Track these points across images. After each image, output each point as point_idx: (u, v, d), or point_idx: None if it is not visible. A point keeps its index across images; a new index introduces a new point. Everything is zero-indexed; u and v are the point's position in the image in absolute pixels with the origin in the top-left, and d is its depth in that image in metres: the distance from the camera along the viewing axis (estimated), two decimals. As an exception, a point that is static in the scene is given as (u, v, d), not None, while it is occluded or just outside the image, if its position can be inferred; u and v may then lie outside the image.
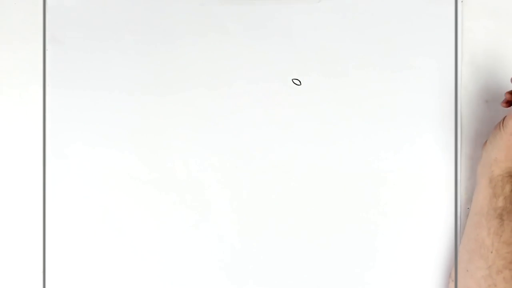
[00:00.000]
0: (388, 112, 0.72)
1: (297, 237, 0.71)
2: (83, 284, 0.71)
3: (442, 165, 0.72)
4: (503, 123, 0.64)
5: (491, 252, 0.61)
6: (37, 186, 0.71)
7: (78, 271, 0.71)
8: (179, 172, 0.71)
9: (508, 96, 0.66)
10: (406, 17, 0.72)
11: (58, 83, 0.72)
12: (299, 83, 0.70)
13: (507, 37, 0.73)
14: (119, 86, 0.72)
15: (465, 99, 0.72)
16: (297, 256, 0.71)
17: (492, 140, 0.65)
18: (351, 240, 0.71)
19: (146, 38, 0.72)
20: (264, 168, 0.71)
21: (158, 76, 0.72)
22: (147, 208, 0.71)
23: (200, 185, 0.71)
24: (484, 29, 0.73)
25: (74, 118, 0.71)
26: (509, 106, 0.67)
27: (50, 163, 0.71)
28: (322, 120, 0.71)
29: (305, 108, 0.71)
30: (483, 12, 0.73)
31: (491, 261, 0.61)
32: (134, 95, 0.72)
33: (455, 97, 0.72)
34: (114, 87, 0.72)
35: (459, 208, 0.72)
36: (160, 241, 0.71)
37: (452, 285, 0.65)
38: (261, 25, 0.72)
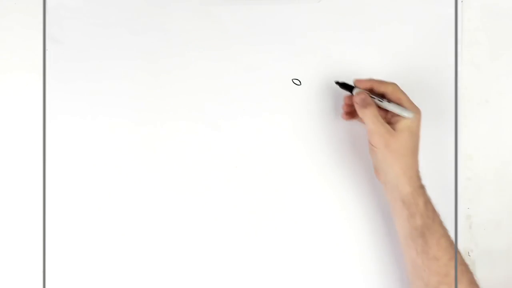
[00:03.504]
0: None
1: (298, 235, 0.71)
2: (83, 284, 0.71)
3: (442, 165, 0.72)
4: (371, 145, 0.62)
5: (424, 271, 0.59)
6: (37, 187, 0.71)
7: (78, 270, 0.71)
8: (179, 172, 0.71)
9: (347, 101, 0.66)
10: (406, 17, 0.72)
11: (58, 83, 0.72)
12: (299, 83, 0.70)
13: (507, 37, 0.73)
14: (119, 86, 0.72)
15: (465, 99, 0.72)
16: (297, 254, 0.71)
17: (379, 165, 0.63)
18: (351, 240, 0.71)
19: (145, 38, 0.72)
20: (264, 168, 0.71)
21: (157, 76, 0.72)
22: (146, 208, 0.71)
23: (200, 184, 0.71)
24: (484, 29, 0.73)
25: (73, 118, 0.71)
26: (350, 117, 0.67)
27: (50, 163, 0.71)
28: (323, 120, 0.71)
29: (305, 108, 0.71)
30: (483, 12, 0.73)
31: (426, 279, 0.59)
32: (134, 96, 0.72)
33: (455, 97, 0.72)
34: (114, 87, 0.72)
35: (459, 209, 0.72)
36: (159, 240, 0.71)
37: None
38: (261, 25, 0.72)
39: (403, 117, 0.61)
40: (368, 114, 0.61)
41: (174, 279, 0.71)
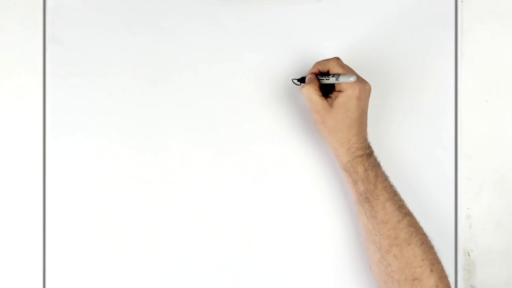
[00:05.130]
0: (388, 112, 0.72)
1: (298, 234, 0.71)
2: (83, 284, 0.71)
3: (442, 165, 0.72)
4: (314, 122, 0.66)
5: (376, 235, 0.62)
6: (37, 187, 0.71)
7: (78, 271, 0.71)
8: (179, 174, 0.71)
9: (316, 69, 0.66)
10: (406, 17, 0.72)
11: (58, 83, 0.72)
12: (299, 83, 0.70)
13: (507, 37, 0.73)
14: (119, 86, 0.72)
15: (465, 99, 0.72)
16: (296, 254, 0.71)
17: (322, 138, 0.67)
18: (350, 241, 0.71)
19: (146, 38, 0.72)
20: (264, 168, 0.71)
21: (157, 77, 0.72)
22: (146, 208, 0.71)
23: (200, 184, 0.71)
24: (484, 29, 0.73)
25: (73, 118, 0.71)
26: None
27: (50, 163, 0.71)
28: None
29: (305, 108, 0.71)
30: (483, 12, 0.73)
31: (378, 243, 0.62)
32: (134, 95, 0.72)
33: (455, 97, 0.72)
34: (114, 87, 0.72)
35: (459, 209, 0.72)
36: (159, 239, 0.71)
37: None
38: (261, 25, 0.72)
39: (341, 94, 0.63)
40: (305, 92, 0.65)
41: (174, 280, 0.71)
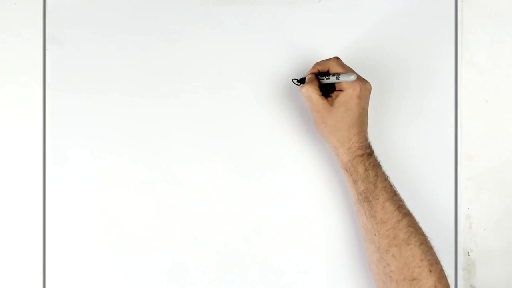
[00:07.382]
0: (388, 112, 0.72)
1: (298, 234, 0.71)
2: (83, 284, 0.71)
3: (442, 165, 0.72)
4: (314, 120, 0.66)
5: (375, 235, 0.62)
6: (37, 188, 0.71)
7: (78, 271, 0.71)
8: (178, 174, 0.71)
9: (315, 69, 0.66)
10: (406, 17, 0.72)
11: (58, 83, 0.72)
12: (299, 84, 0.70)
13: (507, 37, 0.73)
14: (119, 87, 0.72)
15: (465, 99, 0.72)
16: (299, 254, 0.71)
17: (322, 137, 0.67)
18: (350, 241, 0.71)
19: (146, 39, 0.72)
20: (264, 167, 0.71)
21: (157, 77, 0.72)
22: (146, 210, 0.71)
23: (200, 186, 0.71)
24: (484, 29, 0.73)
25: (73, 118, 0.71)
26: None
27: (50, 164, 0.71)
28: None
29: (305, 108, 0.71)
30: (483, 12, 0.73)
31: (377, 242, 0.62)
32: (134, 96, 0.72)
33: (455, 97, 0.72)
34: (114, 87, 0.72)
35: (459, 209, 0.72)
36: (158, 240, 0.71)
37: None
38: (261, 25, 0.72)
39: (341, 93, 0.63)
40: (305, 92, 0.64)
41: (174, 280, 0.71)
